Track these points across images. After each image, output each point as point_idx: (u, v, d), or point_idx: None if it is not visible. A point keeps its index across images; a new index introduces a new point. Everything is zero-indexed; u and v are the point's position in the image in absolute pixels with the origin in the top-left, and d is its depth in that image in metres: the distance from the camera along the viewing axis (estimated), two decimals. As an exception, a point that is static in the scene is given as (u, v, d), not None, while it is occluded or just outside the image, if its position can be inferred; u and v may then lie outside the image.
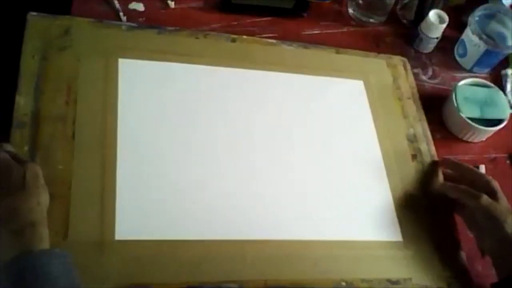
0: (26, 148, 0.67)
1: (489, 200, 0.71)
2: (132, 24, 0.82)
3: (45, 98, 0.70)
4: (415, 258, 0.73)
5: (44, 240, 0.57)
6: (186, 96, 0.78)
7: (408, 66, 0.93)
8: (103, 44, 0.78)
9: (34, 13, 0.77)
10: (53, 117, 0.69)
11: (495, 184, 0.74)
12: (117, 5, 0.87)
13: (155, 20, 0.88)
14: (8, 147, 0.64)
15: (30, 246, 0.56)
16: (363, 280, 0.70)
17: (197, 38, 0.84)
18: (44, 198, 0.60)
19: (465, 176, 0.77)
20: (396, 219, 0.76)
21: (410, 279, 0.72)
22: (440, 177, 0.81)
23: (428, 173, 0.82)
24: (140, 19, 0.88)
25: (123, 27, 0.81)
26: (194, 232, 0.67)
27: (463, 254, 0.76)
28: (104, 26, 0.80)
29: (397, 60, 0.93)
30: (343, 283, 0.69)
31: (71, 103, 0.71)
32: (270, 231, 0.70)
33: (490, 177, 0.75)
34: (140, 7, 0.89)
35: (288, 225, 0.71)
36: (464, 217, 0.76)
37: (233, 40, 0.86)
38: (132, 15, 0.87)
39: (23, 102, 0.69)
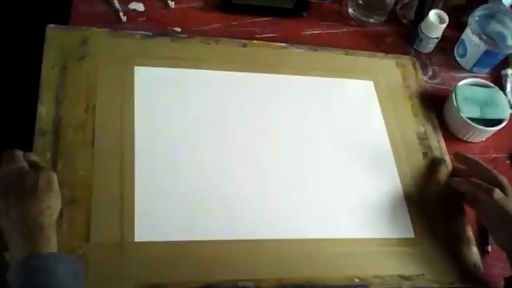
0: (48, 155, 0.69)
1: (502, 194, 0.72)
2: (147, 33, 0.83)
3: (65, 106, 0.73)
4: (427, 254, 0.74)
5: (51, 242, 0.59)
6: (199, 100, 0.80)
7: (418, 66, 0.94)
8: (119, 52, 0.80)
9: (53, 25, 0.79)
10: (73, 124, 0.72)
11: (504, 180, 0.74)
12: (117, 5, 0.87)
13: (155, 20, 0.88)
14: (32, 156, 0.66)
15: (38, 248, 0.57)
16: (376, 277, 0.71)
17: (208, 44, 0.85)
18: (54, 202, 0.62)
19: (474, 171, 0.78)
20: (407, 216, 0.77)
21: (423, 274, 0.73)
22: (450, 168, 0.82)
23: (439, 168, 0.82)
24: (140, 19, 0.88)
25: (138, 35, 0.83)
26: (211, 233, 0.69)
27: (476, 250, 0.77)
28: (119, 35, 0.82)
29: (406, 59, 0.94)
30: (357, 280, 0.70)
31: (90, 110, 0.74)
32: (285, 231, 0.72)
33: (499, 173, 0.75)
34: (140, 7, 0.89)
35: (302, 224, 0.73)
36: (477, 211, 0.77)
37: (244, 45, 0.87)
38: (132, 15, 0.87)
39: (44, 111, 0.72)
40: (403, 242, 0.75)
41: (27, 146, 0.69)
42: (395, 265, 0.72)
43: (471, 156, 0.80)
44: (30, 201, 0.60)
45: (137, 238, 0.66)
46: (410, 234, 0.76)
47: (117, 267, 0.64)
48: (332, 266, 0.70)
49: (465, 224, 0.78)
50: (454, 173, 0.82)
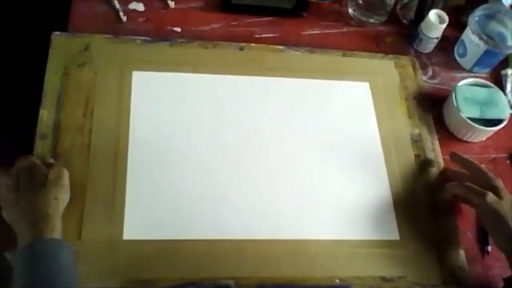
0: (47, 157, 0.72)
1: (495, 198, 0.71)
2: (147, 38, 0.85)
3: (66, 111, 0.76)
4: (411, 257, 0.74)
5: (56, 230, 0.63)
6: (195, 104, 0.81)
7: (417, 66, 0.93)
8: (119, 58, 0.82)
9: (57, 33, 0.82)
10: (72, 128, 0.75)
11: (499, 182, 0.74)
12: (117, 5, 0.87)
13: (155, 20, 0.88)
14: (47, 158, 0.71)
15: (42, 235, 0.61)
16: (356, 278, 0.71)
17: (206, 48, 0.86)
18: (62, 195, 0.66)
19: (470, 172, 0.77)
20: (394, 219, 0.77)
21: (405, 277, 0.73)
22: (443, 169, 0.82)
23: (429, 170, 0.82)
24: (140, 19, 0.88)
25: (138, 41, 0.84)
26: (196, 232, 0.71)
27: (463, 253, 0.76)
28: (120, 41, 0.83)
29: (406, 60, 0.93)
30: (337, 280, 0.71)
31: (88, 114, 0.76)
32: (268, 231, 0.73)
33: (495, 175, 0.75)
34: (140, 7, 0.89)
35: (286, 225, 0.74)
36: (477, 213, 0.77)
37: (241, 48, 0.87)
38: (132, 15, 0.88)
39: (46, 115, 0.75)
40: (388, 244, 0.75)
41: (28, 149, 0.72)
42: (378, 267, 0.73)
43: (467, 157, 0.79)
44: (38, 191, 0.64)
45: (126, 237, 0.69)
46: (395, 236, 0.76)
47: (105, 264, 0.67)
48: (314, 267, 0.71)
49: (454, 226, 0.78)
50: (449, 174, 0.82)
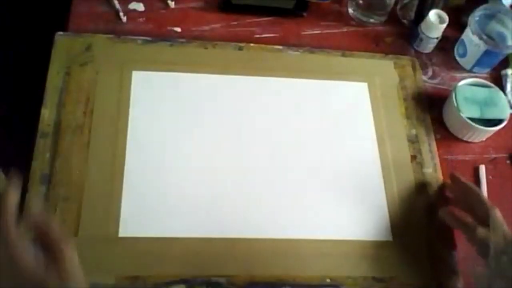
0: (47, 155, 0.73)
1: (484, 232, 0.68)
2: (147, 38, 0.85)
3: (66, 110, 0.77)
4: (403, 258, 0.74)
5: None
6: (194, 104, 0.81)
7: (417, 66, 0.93)
8: (120, 58, 0.82)
9: (61, 33, 0.83)
10: (72, 127, 0.76)
11: (495, 211, 0.70)
12: (117, 5, 0.88)
13: (155, 20, 0.88)
14: (38, 217, 0.53)
15: None
16: (348, 277, 0.72)
17: (206, 48, 0.86)
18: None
19: (467, 196, 0.75)
20: (388, 220, 0.77)
21: (396, 277, 0.73)
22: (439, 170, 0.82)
23: (427, 172, 0.82)
24: (140, 19, 0.88)
25: (139, 41, 0.84)
26: (189, 230, 0.72)
27: (455, 255, 0.76)
28: (121, 41, 0.84)
29: (406, 60, 0.93)
30: (328, 280, 0.71)
31: (88, 113, 0.77)
32: (261, 230, 0.73)
33: (491, 204, 0.71)
34: (140, 7, 0.89)
35: (279, 224, 0.74)
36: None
37: (240, 48, 0.88)
38: (132, 15, 0.88)
39: (47, 114, 0.76)
40: (380, 245, 0.75)
41: (28, 147, 0.72)
42: (369, 267, 0.73)
43: (464, 179, 0.77)
44: None
45: (121, 234, 0.70)
46: (389, 237, 0.76)
47: (100, 260, 0.68)
48: (305, 266, 0.72)
49: (448, 228, 0.78)
50: (447, 188, 0.81)
